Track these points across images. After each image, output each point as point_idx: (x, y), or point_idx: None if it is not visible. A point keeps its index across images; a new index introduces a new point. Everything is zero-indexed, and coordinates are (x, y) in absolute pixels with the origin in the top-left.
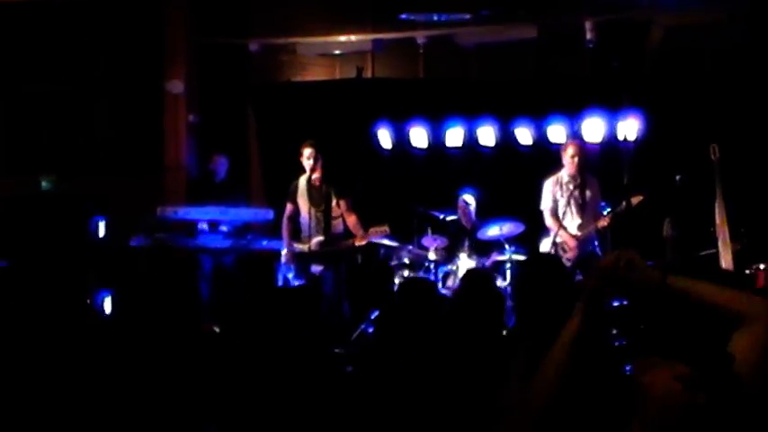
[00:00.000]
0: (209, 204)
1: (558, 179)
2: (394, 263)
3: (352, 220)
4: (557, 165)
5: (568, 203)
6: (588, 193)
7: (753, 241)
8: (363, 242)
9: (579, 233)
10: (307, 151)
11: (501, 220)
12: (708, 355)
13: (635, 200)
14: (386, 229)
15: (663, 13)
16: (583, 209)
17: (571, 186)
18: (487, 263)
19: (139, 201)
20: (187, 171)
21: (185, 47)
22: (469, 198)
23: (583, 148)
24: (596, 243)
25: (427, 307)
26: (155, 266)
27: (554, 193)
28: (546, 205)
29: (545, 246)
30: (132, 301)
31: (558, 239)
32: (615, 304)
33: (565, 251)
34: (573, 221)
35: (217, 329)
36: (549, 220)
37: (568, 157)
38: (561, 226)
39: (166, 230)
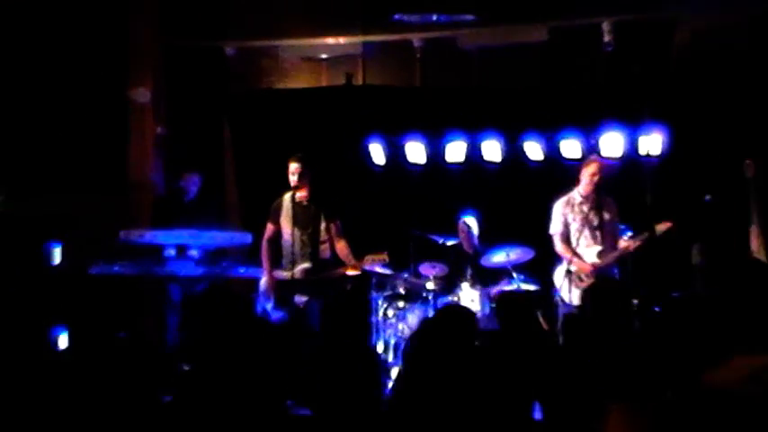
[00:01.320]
0: (179, 227)
1: (569, 200)
2: (387, 293)
3: (341, 245)
4: (571, 183)
5: (582, 227)
6: (606, 216)
7: None
8: (357, 271)
9: (598, 261)
10: (293, 166)
11: (508, 245)
12: None
13: (662, 227)
14: (385, 257)
15: (690, 12)
16: (600, 232)
17: (585, 208)
18: (492, 293)
19: (100, 223)
20: (154, 189)
21: (152, 50)
22: (471, 221)
23: (605, 168)
24: (616, 271)
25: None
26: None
27: (565, 215)
28: (556, 229)
29: (559, 275)
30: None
31: (573, 268)
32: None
33: (581, 280)
34: (590, 248)
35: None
36: (559, 246)
37: (588, 175)
38: (574, 253)
39: (130, 257)
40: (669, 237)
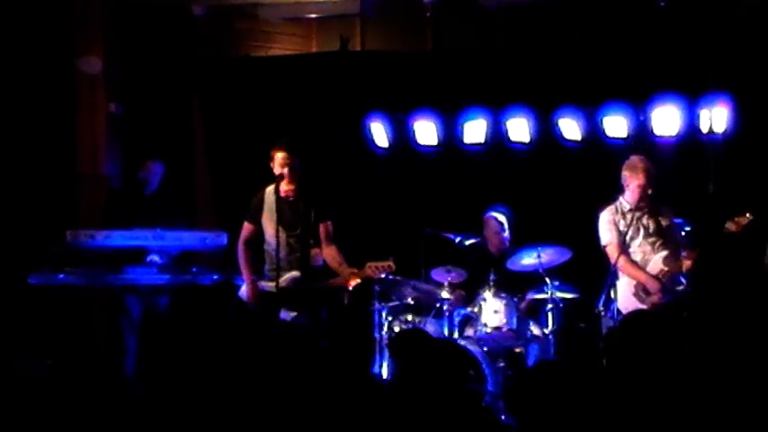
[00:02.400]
0: (138, 226)
1: (617, 208)
2: (394, 304)
3: (331, 251)
4: (616, 168)
5: (638, 234)
6: (663, 222)
7: None
8: (357, 281)
9: (666, 268)
10: (279, 155)
11: (539, 244)
12: None
13: (740, 222)
14: (390, 264)
15: None
16: (659, 238)
17: (638, 214)
18: (522, 303)
19: (42, 221)
20: (107, 181)
21: (103, 9)
22: (502, 217)
23: (654, 173)
24: (684, 281)
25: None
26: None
27: (616, 222)
28: (609, 239)
29: (622, 288)
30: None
31: (622, 279)
32: None
33: (648, 294)
34: (653, 254)
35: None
36: (621, 260)
37: (635, 186)
38: (632, 263)
39: (79, 263)
40: (745, 232)
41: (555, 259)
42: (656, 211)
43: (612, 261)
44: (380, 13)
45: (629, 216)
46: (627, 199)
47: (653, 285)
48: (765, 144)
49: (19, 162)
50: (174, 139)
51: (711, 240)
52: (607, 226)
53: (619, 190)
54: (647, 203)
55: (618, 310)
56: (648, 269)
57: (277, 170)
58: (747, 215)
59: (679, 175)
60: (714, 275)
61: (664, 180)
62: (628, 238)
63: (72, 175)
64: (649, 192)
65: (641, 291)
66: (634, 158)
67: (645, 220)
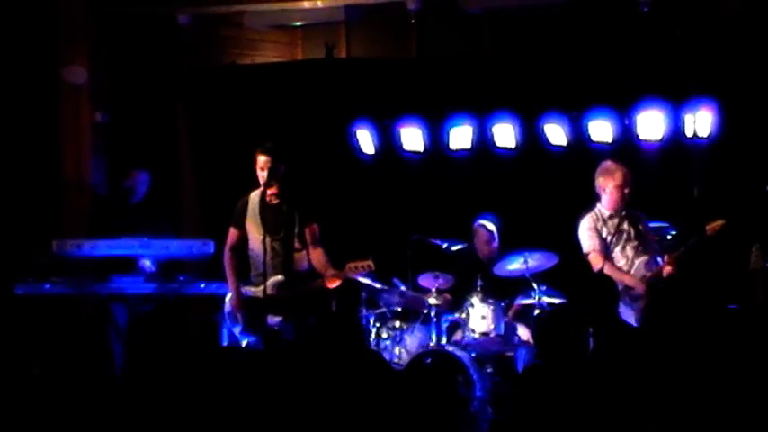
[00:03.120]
0: (125, 235)
1: (597, 215)
2: (381, 311)
3: (317, 254)
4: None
5: (619, 240)
6: (640, 227)
7: None
8: (337, 283)
9: (648, 274)
10: (262, 159)
11: (526, 250)
12: None
13: (713, 227)
14: (369, 263)
15: None
16: (639, 243)
17: (616, 221)
18: (510, 309)
19: (28, 231)
20: (93, 190)
21: (87, 19)
22: (491, 226)
23: (626, 170)
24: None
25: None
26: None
27: (598, 229)
28: (592, 245)
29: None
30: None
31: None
32: None
33: (634, 300)
34: (636, 258)
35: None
36: (606, 267)
37: (612, 188)
38: (616, 268)
39: (65, 272)
40: (722, 237)
41: (542, 264)
42: (634, 216)
43: (596, 268)
44: (365, 20)
45: (610, 223)
46: (604, 205)
47: (640, 288)
48: (749, 148)
49: (4, 171)
50: (159, 148)
51: (690, 245)
52: (588, 233)
53: (595, 198)
54: (625, 206)
55: None
56: (632, 273)
57: (259, 173)
58: (720, 220)
59: (664, 180)
60: (689, 280)
61: (648, 184)
62: (612, 243)
63: (58, 184)
64: (626, 191)
65: (627, 296)
66: (606, 163)
67: (626, 226)
